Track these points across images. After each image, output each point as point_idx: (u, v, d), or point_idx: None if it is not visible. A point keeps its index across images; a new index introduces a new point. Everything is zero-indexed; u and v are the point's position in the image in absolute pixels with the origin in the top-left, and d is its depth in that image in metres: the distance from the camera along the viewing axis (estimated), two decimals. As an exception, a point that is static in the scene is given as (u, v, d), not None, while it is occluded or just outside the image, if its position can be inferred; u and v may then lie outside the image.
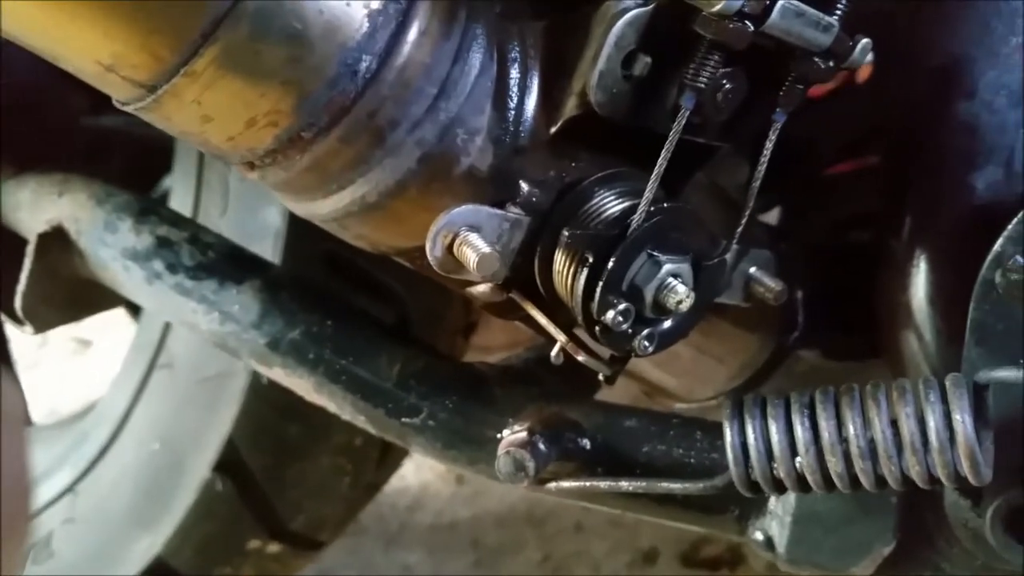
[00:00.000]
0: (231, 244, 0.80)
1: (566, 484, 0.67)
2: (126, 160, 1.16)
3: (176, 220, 0.79)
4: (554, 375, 0.86)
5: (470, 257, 0.56)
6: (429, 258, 0.58)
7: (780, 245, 0.83)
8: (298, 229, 0.96)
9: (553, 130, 0.60)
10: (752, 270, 0.71)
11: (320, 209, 0.62)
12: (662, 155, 0.59)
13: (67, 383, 1.79)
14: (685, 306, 0.61)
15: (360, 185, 0.59)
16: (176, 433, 1.05)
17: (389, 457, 1.17)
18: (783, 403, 0.59)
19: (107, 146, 1.14)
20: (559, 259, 0.62)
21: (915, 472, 0.57)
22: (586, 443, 0.72)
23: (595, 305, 0.60)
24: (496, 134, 0.59)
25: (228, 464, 1.04)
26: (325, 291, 0.79)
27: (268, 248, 0.95)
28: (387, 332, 0.79)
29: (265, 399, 1.01)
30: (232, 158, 0.59)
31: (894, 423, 0.58)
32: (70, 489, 1.12)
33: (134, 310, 1.27)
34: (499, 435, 0.74)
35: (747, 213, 0.66)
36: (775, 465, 0.59)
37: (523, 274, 0.65)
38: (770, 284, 0.70)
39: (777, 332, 0.86)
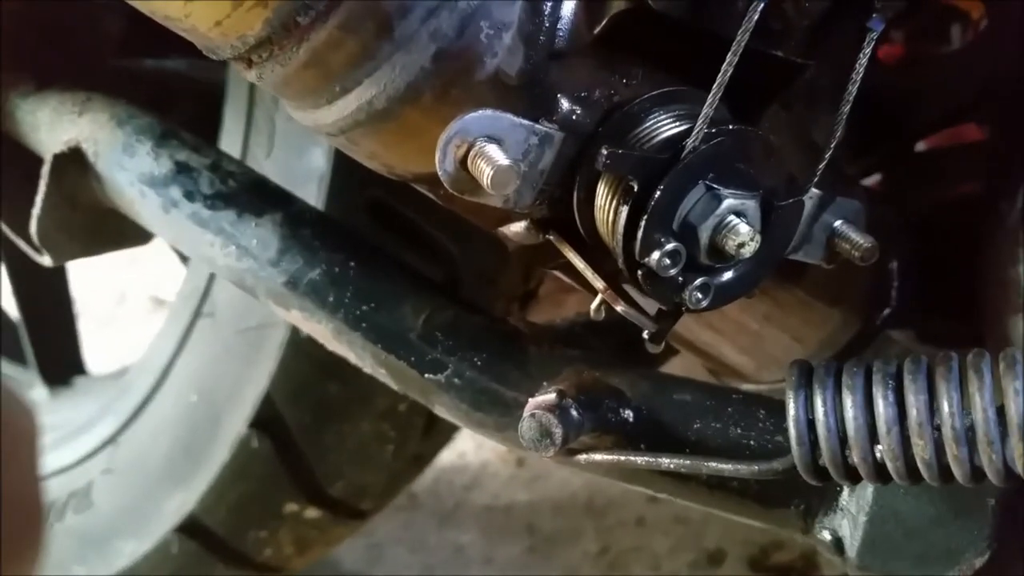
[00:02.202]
0: (255, 174, 0.72)
1: (598, 457, 0.56)
2: (190, 106, 1.09)
3: (198, 146, 0.71)
4: (606, 343, 0.74)
5: (484, 172, 0.46)
6: (439, 172, 0.47)
7: (878, 207, 0.69)
8: (343, 173, 0.87)
9: (597, 30, 0.49)
10: (838, 223, 0.58)
11: (325, 118, 0.52)
12: (728, 58, 0.47)
13: (141, 341, 1.76)
14: (748, 251, 0.49)
15: (367, 87, 0.49)
16: (214, 386, 0.98)
17: (436, 427, 1.07)
18: (862, 372, 0.47)
19: (170, 92, 1.08)
20: (601, 189, 0.51)
21: (1022, 464, 0.44)
22: (628, 414, 0.60)
23: (638, 244, 0.49)
24: (528, 31, 0.48)
25: (265, 420, 0.96)
26: (351, 230, 0.70)
27: (312, 193, 0.87)
28: (416, 278, 0.69)
29: (305, 354, 0.93)
30: (224, 51, 0.50)
31: (1000, 409, 0.44)
32: (112, 439, 1.06)
33: (184, 257, 1.21)
34: (531, 397, 0.63)
35: (832, 145, 0.53)
36: (848, 448, 0.46)
37: (563, 212, 0.54)
38: (858, 240, 0.57)
39: (865, 307, 0.73)
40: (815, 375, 0.47)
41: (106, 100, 0.72)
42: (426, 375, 0.66)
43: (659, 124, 0.51)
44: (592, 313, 0.57)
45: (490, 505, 1.49)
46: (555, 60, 0.49)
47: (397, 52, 0.47)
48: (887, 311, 0.73)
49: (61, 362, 1.33)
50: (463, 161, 0.47)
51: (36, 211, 0.71)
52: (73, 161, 0.70)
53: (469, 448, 1.57)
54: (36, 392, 1.32)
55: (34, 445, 0.39)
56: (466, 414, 0.66)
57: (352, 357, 0.68)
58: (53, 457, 1.15)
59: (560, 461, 0.58)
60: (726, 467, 0.52)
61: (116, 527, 1.07)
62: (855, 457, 0.46)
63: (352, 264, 0.68)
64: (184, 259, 1.19)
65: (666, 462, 0.54)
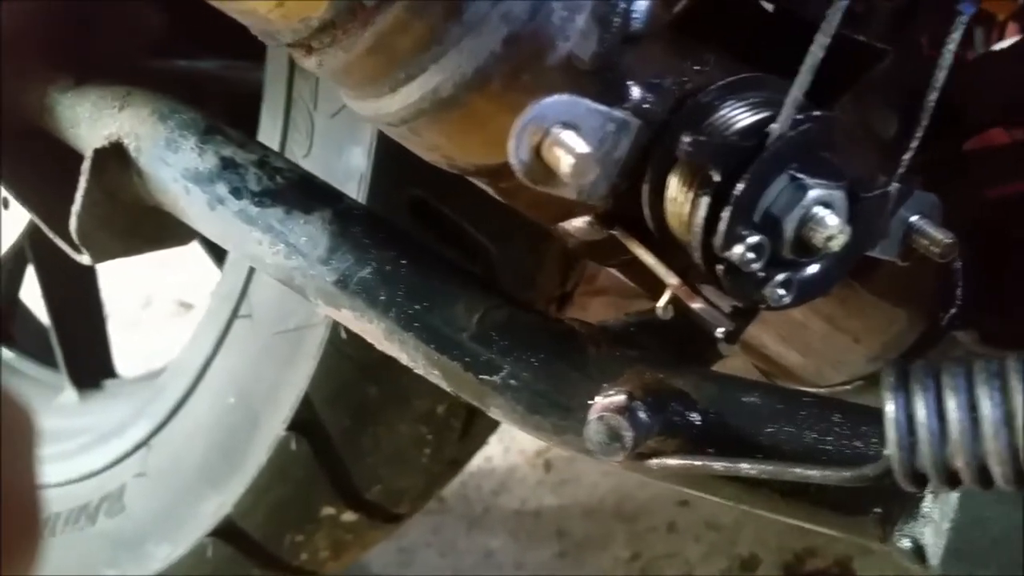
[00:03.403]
0: (302, 171, 0.68)
1: (672, 462, 0.52)
2: (222, 107, 1.07)
3: (243, 142, 0.68)
4: (660, 344, 0.71)
5: (562, 160, 0.42)
6: (512, 161, 0.44)
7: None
8: (384, 172, 0.84)
9: (676, 9, 0.46)
10: (914, 218, 0.54)
11: (387, 108, 0.49)
12: (817, 40, 0.44)
13: (166, 345, 1.73)
14: (837, 244, 0.46)
15: (433, 74, 0.46)
16: (252, 388, 0.95)
17: (473, 430, 1.04)
18: (964, 372, 0.43)
19: (202, 93, 1.05)
20: (674, 181, 0.48)
21: None
22: (695, 417, 0.57)
23: (719, 238, 0.45)
24: (603, 13, 0.45)
25: (304, 423, 0.93)
26: (398, 227, 0.66)
27: (351, 192, 0.84)
28: (469, 276, 0.65)
29: (344, 356, 0.90)
30: (284, 35, 0.47)
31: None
32: (145, 443, 1.03)
33: (220, 259, 1.19)
34: (590, 401, 0.59)
35: (919, 135, 0.50)
36: (949, 451, 0.43)
37: (628, 205, 0.51)
38: (937, 235, 0.54)
39: (930, 307, 0.69)
40: (913, 376, 0.43)
41: (147, 95, 0.69)
42: (481, 376, 0.62)
43: (735, 112, 0.48)
44: (659, 311, 0.54)
45: (519, 509, 1.46)
46: (629, 44, 0.46)
47: (466, 36, 0.44)
48: (952, 312, 0.70)
49: (91, 365, 1.30)
50: (537, 149, 0.43)
51: (76, 208, 0.68)
52: (114, 156, 0.67)
53: (496, 452, 1.54)
54: (66, 395, 1.29)
55: (32, 446, 0.38)
56: (522, 417, 0.62)
57: (404, 358, 0.65)
58: (84, 460, 1.13)
59: (628, 466, 0.54)
60: (813, 473, 0.48)
61: (149, 531, 1.04)
62: (959, 462, 0.42)
63: (404, 262, 0.64)
64: (219, 261, 1.17)
65: (747, 468, 0.50)
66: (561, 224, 0.56)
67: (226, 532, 0.99)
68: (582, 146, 0.42)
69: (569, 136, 0.42)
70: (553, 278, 0.98)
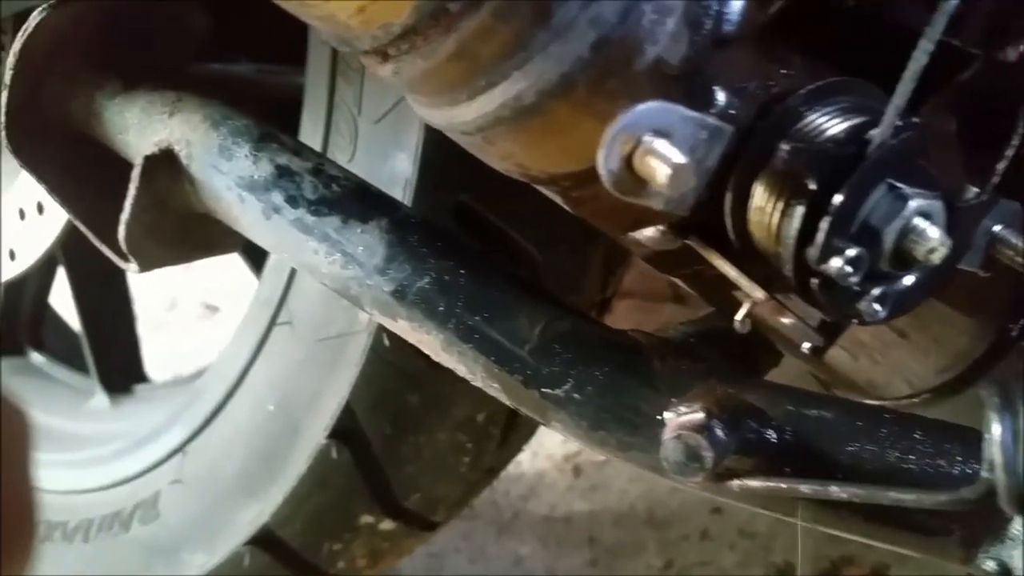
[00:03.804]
0: (357, 179, 0.66)
1: (755, 484, 0.50)
2: (257, 111, 1.05)
3: (298, 149, 0.66)
4: (720, 355, 0.68)
5: (658, 171, 0.40)
6: (601, 172, 0.42)
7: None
8: (429, 178, 0.82)
9: (771, 10, 0.43)
10: (998, 227, 0.52)
11: (463, 116, 0.47)
12: (921, 45, 0.42)
13: (192, 348, 1.72)
14: (937, 257, 0.43)
15: (515, 81, 0.44)
16: (292, 395, 0.93)
17: (511, 439, 1.02)
18: (1077, 392, 0.41)
19: (238, 98, 1.03)
20: (761, 189, 0.46)
21: None
22: (771, 435, 0.54)
23: (816, 250, 0.43)
24: (694, 16, 0.43)
25: (345, 431, 0.91)
26: (456, 236, 0.64)
27: (397, 197, 0.81)
28: (530, 287, 0.63)
29: (386, 364, 0.88)
30: (362, 42, 0.45)
31: None
32: (180, 449, 1.01)
33: (258, 266, 1.17)
34: (659, 417, 0.57)
35: (1015, 143, 0.47)
36: (1061, 477, 0.41)
37: (705, 214, 0.48)
38: (1021, 245, 0.52)
39: (1001, 317, 0.66)
40: (1017, 395, 0.41)
41: (198, 100, 0.67)
42: (543, 390, 0.60)
43: (826, 118, 0.46)
44: (738, 324, 0.52)
45: (548, 515, 1.44)
46: (719, 48, 0.44)
47: (553, 41, 0.42)
48: (1022, 322, 0.67)
49: (122, 370, 1.28)
50: (628, 158, 0.41)
51: (125, 216, 0.66)
52: (164, 163, 0.65)
53: (524, 456, 1.51)
54: (96, 400, 1.27)
55: (27, 447, 0.37)
56: (586, 432, 0.60)
57: (462, 370, 0.63)
58: (117, 466, 1.11)
59: (706, 488, 0.52)
60: (907, 497, 0.46)
61: (185, 538, 1.03)
62: (1075, 487, 0.40)
63: (462, 272, 0.62)
64: (257, 266, 1.15)
65: (836, 491, 0.48)
66: (631, 233, 0.53)
67: (264, 541, 0.97)
68: (679, 156, 0.40)
69: (663, 145, 0.40)
70: (596, 284, 0.96)
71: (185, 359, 1.68)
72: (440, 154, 0.81)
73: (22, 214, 1.08)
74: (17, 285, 1.30)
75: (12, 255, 1.11)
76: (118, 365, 1.28)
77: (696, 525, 1.36)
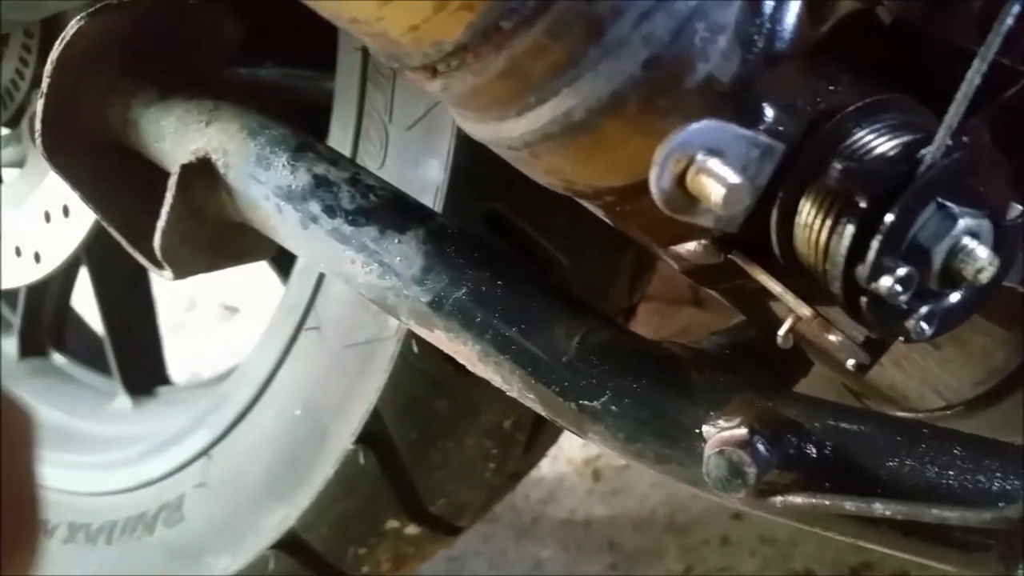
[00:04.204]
0: (394, 189, 0.67)
1: (797, 500, 0.50)
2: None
3: (335, 159, 0.66)
4: (753, 366, 0.69)
5: (712, 191, 0.40)
6: (653, 191, 0.42)
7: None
8: (461, 185, 0.83)
9: (824, 28, 0.43)
10: (1041, 244, 0.52)
11: (510, 131, 0.47)
12: (973, 67, 0.42)
13: (211, 349, 1.73)
14: (986, 276, 0.44)
15: (565, 97, 0.44)
16: (320, 400, 0.94)
17: (536, 444, 1.02)
18: None
19: (262, 102, 1.03)
20: (809, 206, 0.46)
21: None
22: (811, 450, 0.54)
23: (866, 268, 0.43)
24: (747, 34, 0.43)
25: (372, 436, 0.91)
26: (493, 246, 0.65)
27: (428, 205, 0.82)
28: (566, 297, 0.63)
29: (415, 370, 0.88)
30: (412, 59, 0.45)
31: None
32: (205, 452, 1.02)
33: (283, 270, 1.17)
34: (697, 430, 0.57)
35: (1065, 161, 0.47)
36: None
37: (749, 229, 0.48)
38: (1064, 262, 0.51)
39: (1037, 331, 0.66)
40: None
41: (235, 109, 0.67)
42: (580, 402, 0.60)
43: (875, 136, 0.46)
44: (780, 340, 0.52)
45: (568, 519, 1.44)
46: (770, 65, 0.44)
47: (605, 59, 0.42)
48: (1059, 335, 0.67)
49: (145, 372, 1.29)
50: (681, 177, 0.41)
51: (161, 224, 0.66)
52: (201, 172, 0.66)
53: (544, 461, 1.51)
54: (119, 402, 1.28)
55: (31, 446, 0.37)
56: (623, 444, 0.60)
57: (498, 380, 0.63)
58: (141, 469, 1.12)
59: (747, 503, 0.52)
60: (951, 515, 0.46)
61: (209, 542, 1.03)
62: None
63: (499, 283, 0.62)
64: (283, 271, 1.15)
65: (880, 508, 0.48)
66: (673, 248, 0.54)
67: (289, 545, 0.97)
68: (733, 176, 0.40)
69: (717, 164, 0.40)
70: (623, 291, 0.96)
71: (205, 361, 1.69)
72: (472, 161, 0.81)
73: (48, 216, 1.09)
74: (40, 287, 1.30)
75: (37, 257, 1.12)
76: (141, 367, 1.29)
77: (716, 531, 1.36)
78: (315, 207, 0.63)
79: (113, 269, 1.26)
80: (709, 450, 0.52)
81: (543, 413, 0.63)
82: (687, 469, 0.57)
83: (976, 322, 0.67)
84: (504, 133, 0.47)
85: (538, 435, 1.00)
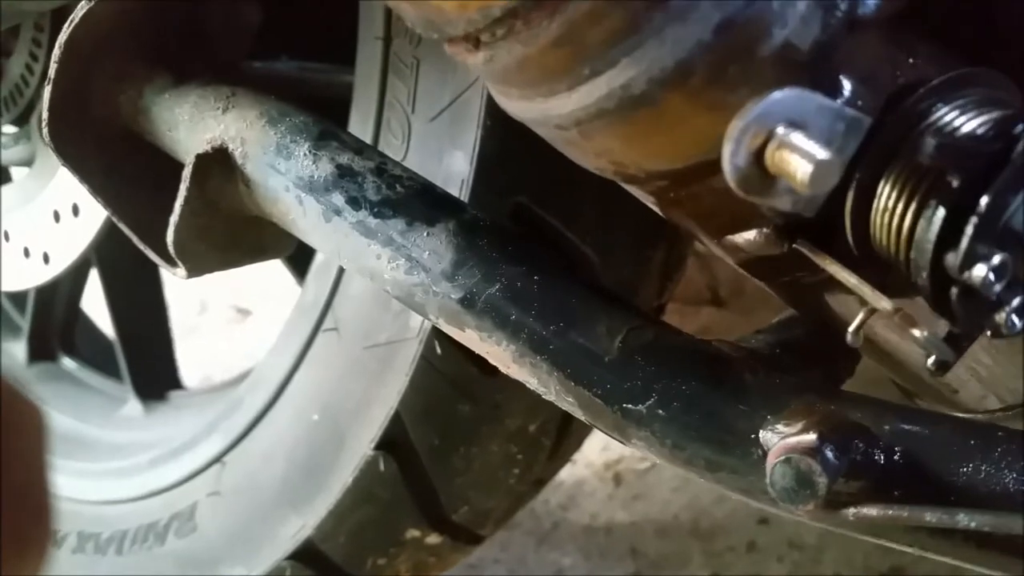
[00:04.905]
0: (422, 179, 0.62)
1: (872, 512, 0.45)
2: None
3: (360, 148, 0.62)
4: (803, 364, 0.64)
5: (797, 167, 0.36)
6: (726, 168, 0.37)
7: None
8: (487, 178, 0.78)
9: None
10: None
11: (560, 107, 0.42)
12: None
13: (223, 352, 1.68)
14: (1091, 265, 0.39)
15: (624, 68, 0.39)
16: (338, 404, 0.89)
17: (562, 449, 0.97)
18: None
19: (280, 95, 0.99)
20: (891, 189, 0.41)
21: None
22: (879, 456, 0.50)
23: (959, 256, 0.38)
24: (830, -4, 0.38)
25: (392, 442, 0.86)
26: (527, 239, 0.60)
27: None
28: (607, 294, 0.59)
29: (437, 372, 0.84)
30: (455, 27, 0.40)
31: None
32: (219, 459, 0.97)
33: (299, 270, 1.13)
34: (753, 435, 0.53)
35: None
36: None
37: (819, 216, 0.44)
38: None
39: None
40: None
41: (254, 96, 0.63)
42: (624, 406, 0.56)
43: (958, 112, 0.41)
44: (850, 337, 0.47)
45: (589, 525, 1.39)
46: (852, 32, 0.39)
47: (671, 24, 0.38)
48: None
49: (156, 376, 1.25)
50: (759, 153, 0.37)
51: (174, 218, 0.62)
52: (217, 163, 0.61)
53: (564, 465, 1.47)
54: (130, 407, 1.24)
55: (43, 444, 0.36)
56: (671, 451, 0.55)
57: (534, 383, 0.59)
58: (152, 476, 1.07)
59: (816, 517, 0.47)
60: (1051, 528, 0.41)
61: (223, 552, 0.98)
62: None
63: (536, 279, 0.58)
64: (298, 270, 1.11)
65: (964, 519, 0.43)
66: (730, 237, 0.49)
67: (306, 555, 0.93)
68: (821, 151, 0.35)
69: (800, 139, 0.36)
70: (653, 289, 0.91)
71: (217, 364, 1.65)
72: (498, 153, 0.77)
73: (57, 216, 1.05)
74: (49, 289, 1.26)
75: (46, 258, 1.07)
76: (152, 371, 1.25)
77: (743, 536, 1.31)
78: (338, 199, 0.59)
79: (124, 270, 1.22)
80: (773, 458, 0.47)
81: (583, 417, 0.58)
82: (742, 477, 0.53)
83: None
84: (553, 110, 0.43)
85: (564, 439, 0.95)
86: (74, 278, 1.30)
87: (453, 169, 0.79)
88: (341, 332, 0.88)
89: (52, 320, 1.32)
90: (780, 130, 0.36)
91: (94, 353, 1.36)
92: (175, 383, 1.27)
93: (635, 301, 0.90)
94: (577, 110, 0.42)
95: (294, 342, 0.92)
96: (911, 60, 0.42)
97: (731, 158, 0.36)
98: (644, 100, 0.40)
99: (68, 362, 1.34)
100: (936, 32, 0.43)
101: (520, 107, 0.45)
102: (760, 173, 0.37)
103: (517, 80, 0.43)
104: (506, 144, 0.77)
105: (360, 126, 0.85)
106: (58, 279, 1.09)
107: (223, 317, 1.78)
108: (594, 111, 0.41)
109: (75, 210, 1.02)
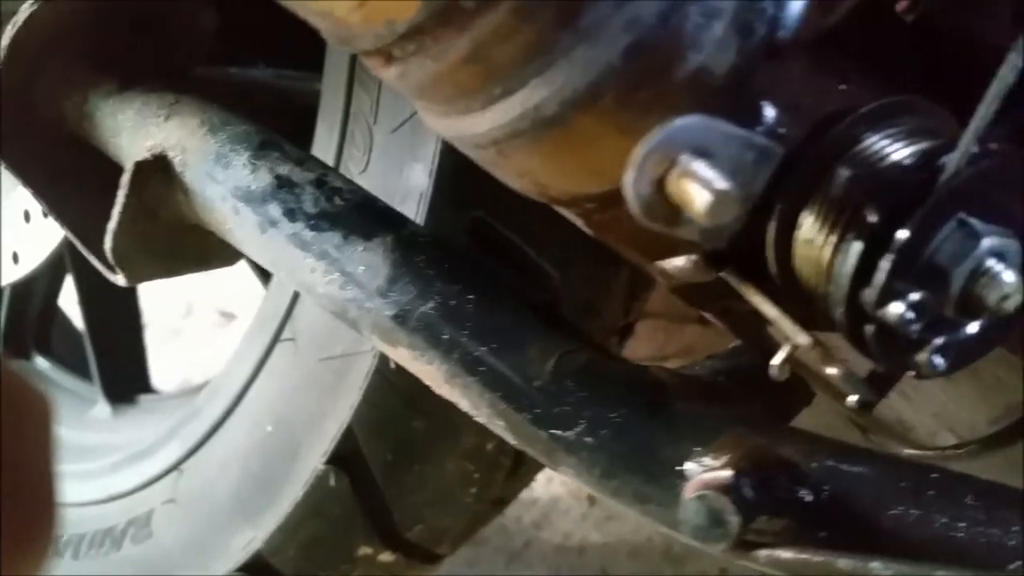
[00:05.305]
0: (363, 192, 0.61)
1: (786, 555, 0.44)
2: (273, 119, 1.00)
3: (301, 158, 0.61)
4: (750, 395, 0.62)
5: (696, 197, 0.34)
6: (628, 196, 0.36)
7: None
8: (445, 191, 0.76)
9: (834, 17, 0.37)
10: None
11: (476, 127, 0.41)
12: (1007, 64, 0.36)
13: (206, 356, 1.67)
14: (1011, 305, 0.37)
15: (536, 89, 0.38)
16: (292, 416, 0.87)
17: (522, 469, 0.95)
18: None
19: (254, 105, 0.98)
20: (811, 220, 0.40)
21: None
22: (806, 495, 0.48)
23: (874, 292, 0.37)
24: (745, 20, 0.37)
25: (344, 457, 0.85)
26: (467, 255, 0.59)
27: (410, 212, 0.76)
28: (543, 314, 0.57)
29: (392, 387, 0.82)
30: (363, 41, 0.39)
31: None
32: (176, 467, 0.96)
33: (265, 276, 1.12)
34: (681, 467, 0.51)
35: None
36: None
37: (743, 243, 0.42)
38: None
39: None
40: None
41: (197, 104, 0.62)
42: (552, 431, 0.54)
43: (888, 141, 0.40)
44: (774, 370, 0.46)
45: (561, 545, 1.37)
46: (771, 58, 0.38)
47: (581, 44, 0.36)
48: (1084, 372, 0.60)
49: (126, 378, 1.24)
50: (661, 181, 0.35)
51: (112, 225, 0.61)
52: (157, 170, 0.60)
53: (539, 482, 1.45)
54: (98, 409, 1.22)
55: (48, 432, 0.34)
56: (598, 480, 0.54)
57: (465, 404, 0.57)
58: (112, 480, 1.06)
59: (730, 556, 0.46)
60: (964, 577, 0.40)
61: (176, 561, 0.97)
62: None
63: (471, 297, 0.56)
64: (265, 277, 1.10)
65: (878, 568, 0.42)
66: (659, 263, 0.47)
67: (256, 567, 0.91)
68: (721, 181, 0.34)
69: (703, 167, 0.34)
70: (617, 308, 0.90)
71: (199, 368, 1.63)
72: (457, 167, 0.76)
73: (27, 216, 1.04)
74: (24, 288, 1.25)
75: (15, 258, 1.07)
76: (123, 373, 1.24)
77: (714, 561, 1.29)
78: (275, 210, 0.58)
79: (97, 271, 1.21)
80: (688, 494, 0.45)
81: (513, 442, 0.57)
82: (667, 511, 0.51)
83: (1000, 356, 0.60)
84: (469, 129, 0.41)
85: (524, 459, 0.94)
86: (50, 277, 1.29)
87: (412, 182, 0.77)
88: (298, 343, 0.87)
89: (27, 319, 1.31)
90: (684, 157, 0.35)
91: (69, 353, 1.35)
92: (146, 386, 1.26)
93: (599, 320, 0.88)
94: (493, 129, 0.40)
95: (253, 351, 0.90)
96: (840, 87, 0.41)
97: (633, 185, 0.35)
98: (557, 122, 0.39)
99: (42, 362, 1.33)
100: (872, 57, 0.42)
101: (440, 124, 0.43)
102: (663, 201, 0.35)
103: (433, 97, 0.42)
104: (465, 158, 0.76)
105: (326, 136, 0.84)
106: (32, 278, 1.08)
107: (208, 321, 1.77)
108: (509, 131, 0.40)
109: (45, 212, 1.01)
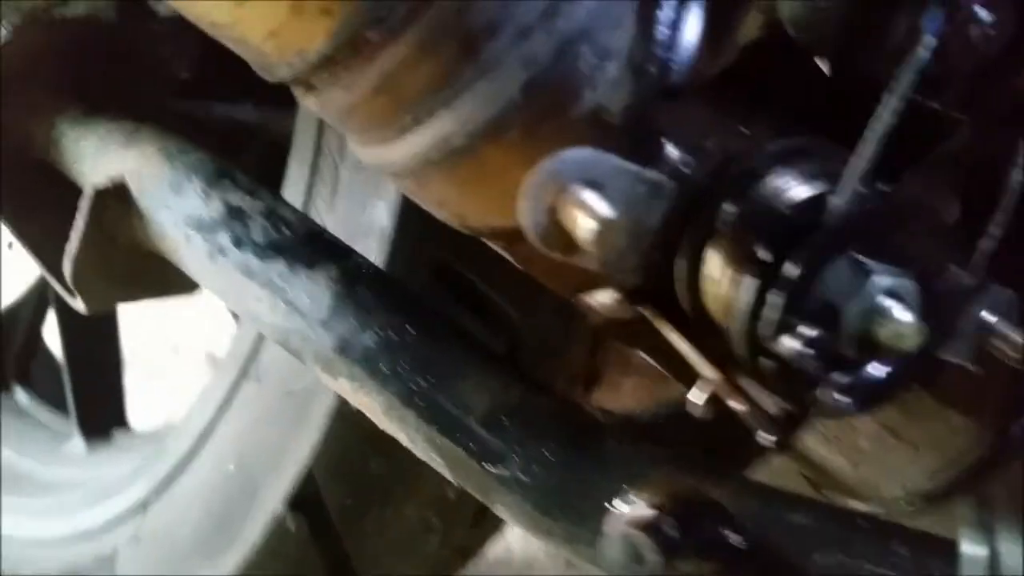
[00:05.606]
0: (312, 224, 0.64)
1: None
2: (255, 157, 1.04)
3: (253, 189, 0.64)
4: (694, 439, 0.63)
5: (583, 225, 0.37)
6: (523, 222, 0.38)
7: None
8: (407, 230, 0.80)
9: (722, 63, 0.40)
10: (989, 317, 0.47)
11: (393, 155, 0.44)
12: (885, 106, 0.38)
13: (190, 397, 1.69)
14: (908, 343, 0.39)
15: (443, 120, 0.41)
16: (254, 456, 0.89)
17: (487, 517, 0.96)
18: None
19: (235, 140, 1.02)
20: (714, 257, 0.42)
21: None
22: (733, 537, 0.49)
23: (766, 327, 0.39)
24: (639, 62, 0.40)
25: (304, 500, 0.87)
26: (409, 289, 0.61)
27: (372, 249, 0.79)
28: (481, 350, 0.59)
29: (352, 426, 0.84)
30: (279, 70, 0.42)
31: None
32: (142, 505, 0.98)
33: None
34: (606, 505, 0.53)
35: (1001, 221, 0.43)
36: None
37: (661, 281, 0.45)
38: (1016, 338, 0.46)
39: (1002, 418, 0.61)
40: (998, 514, 0.36)
41: (157, 132, 0.65)
42: (486, 467, 0.56)
43: (786, 181, 0.42)
44: (691, 406, 0.47)
45: (539, 607, 1.36)
46: (667, 98, 0.41)
47: (482, 79, 0.39)
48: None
49: (102, 414, 1.26)
50: (554, 210, 0.38)
51: (71, 250, 0.64)
52: (115, 197, 0.64)
53: (516, 537, 1.44)
54: (73, 444, 1.25)
55: None
56: (531, 518, 0.55)
57: (403, 438, 0.59)
58: (82, 518, 1.08)
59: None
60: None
61: (139, 600, 0.98)
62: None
63: (411, 330, 0.59)
64: (236, 315, 1.13)
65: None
66: (583, 298, 0.50)
67: (215, 612, 0.92)
68: (605, 209, 0.36)
69: (591, 197, 0.37)
70: (581, 352, 0.91)
71: (182, 408, 1.65)
72: (419, 206, 0.79)
73: (11, 245, 1.08)
74: (7, 318, 1.29)
75: (-4, 288, 1.10)
76: (99, 408, 1.26)
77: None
78: (224, 238, 0.61)
79: (78, 305, 1.25)
80: (608, 530, 0.47)
81: (450, 477, 0.59)
82: (593, 549, 0.52)
83: (931, 404, 0.61)
84: (387, 157, 0.44)
85: (488, 509, 0.95)
86: (34, 308, 1.33)
87: (375, 220, 0.80)
88: (263, 382, 0.89)
89: (8, 350, 1.35)
90: (573, 187, 0.37)
91: (52, 386, 1.38)
92: (121, 422, 1.28)
93: (563, 363, 0.90)
94: (407, 159, 0.43)
95: (219, 389, 0.93)
96: (742, 127, 0.43)
97: (528, 213, 0.38)
98: (466, 153, 0.41)
99: (21, 394, 1.35)
100: (775, 97, 0.44)
101: (363, 153, 0.46)
102: (558, 230, 0.38)
103: (351, 126, 0.45)
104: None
105: (297, 173, 0.88)
106: (14, 308, 1.12)
107: (194, 360, 1.80)
108: (423, 160, 0.43)
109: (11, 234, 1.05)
